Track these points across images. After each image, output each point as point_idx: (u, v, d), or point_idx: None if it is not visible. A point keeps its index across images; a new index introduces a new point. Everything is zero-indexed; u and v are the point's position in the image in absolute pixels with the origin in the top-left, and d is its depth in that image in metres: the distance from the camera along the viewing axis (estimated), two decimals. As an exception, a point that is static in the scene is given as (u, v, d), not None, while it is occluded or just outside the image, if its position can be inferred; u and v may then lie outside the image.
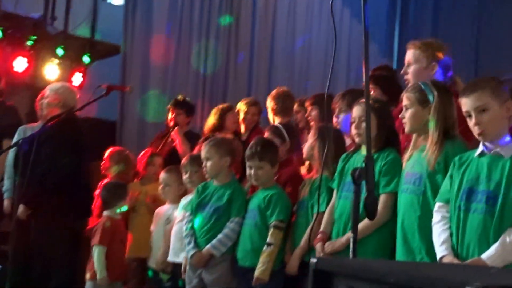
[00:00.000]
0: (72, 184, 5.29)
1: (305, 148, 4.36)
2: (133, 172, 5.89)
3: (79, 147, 5.47)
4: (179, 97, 6.62)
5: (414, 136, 3.72)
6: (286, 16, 9.19)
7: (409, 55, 4.38)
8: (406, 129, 3.71)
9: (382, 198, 3.80)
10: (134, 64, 8.22)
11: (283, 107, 5.89)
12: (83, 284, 5.56)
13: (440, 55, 4.33)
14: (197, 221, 4.50)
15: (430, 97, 3.56)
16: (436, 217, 3.29)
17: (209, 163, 4.49)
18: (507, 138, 3.18)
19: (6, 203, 5.77)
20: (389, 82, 5.17)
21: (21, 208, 5.21)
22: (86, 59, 7.37)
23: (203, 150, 4.59)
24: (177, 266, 4.84)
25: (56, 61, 7.19)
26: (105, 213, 5.18)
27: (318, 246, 3.95)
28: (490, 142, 3.17)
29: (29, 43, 6.93)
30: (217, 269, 4.39)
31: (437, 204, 3.34)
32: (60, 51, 7.12)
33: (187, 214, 4.61)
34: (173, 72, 8.56)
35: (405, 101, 3.68)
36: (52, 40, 7.15)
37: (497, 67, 7.45)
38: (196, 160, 4.79)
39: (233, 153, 4.64)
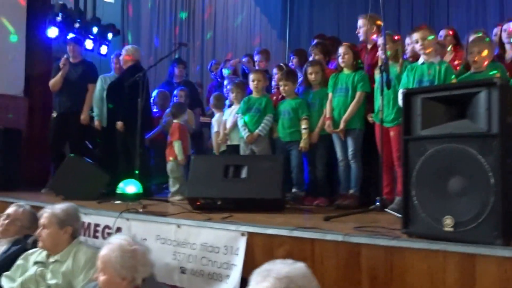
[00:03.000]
0: (143, 108, 5.52)
1: (314, 76, 5.15)
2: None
3: (145, 87, 5.66)
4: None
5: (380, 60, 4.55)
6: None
7: (360, 22, 5.18)
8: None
9: (359, 94, 4.82)
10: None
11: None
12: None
13: (378, 22, 5.10)
14: (247, 118, 5.31)
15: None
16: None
17: (260, 84, 5.35)
18: (435, 55, 4.35)
19: (96, 123, 6.30)
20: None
21: (119, 124, 5.81)
22: (110, 35, 8.08)
23: (252, 76, 5.41)
24: (229, 147, 5.75)
25: (92, 37, 7.88)
26: (175, 121, 5.69)
27: (327, 122, 4.92)
28: (427, 55, 4.27)
29: (76, 25, 7.66)
30: (262, 144, 5.27)
31: (400, 90, 4.09)
32: (95, 29, 7.86)
33: (239, 115, 5.39)
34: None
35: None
36: (88, 23, 7.85)
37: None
38: (240, 85, 5.69)
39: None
